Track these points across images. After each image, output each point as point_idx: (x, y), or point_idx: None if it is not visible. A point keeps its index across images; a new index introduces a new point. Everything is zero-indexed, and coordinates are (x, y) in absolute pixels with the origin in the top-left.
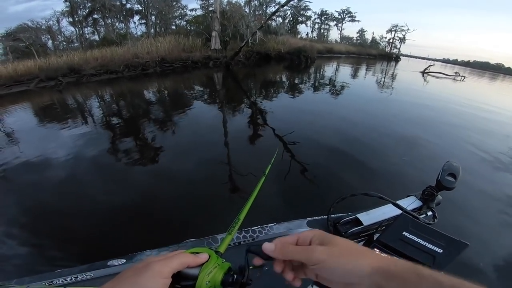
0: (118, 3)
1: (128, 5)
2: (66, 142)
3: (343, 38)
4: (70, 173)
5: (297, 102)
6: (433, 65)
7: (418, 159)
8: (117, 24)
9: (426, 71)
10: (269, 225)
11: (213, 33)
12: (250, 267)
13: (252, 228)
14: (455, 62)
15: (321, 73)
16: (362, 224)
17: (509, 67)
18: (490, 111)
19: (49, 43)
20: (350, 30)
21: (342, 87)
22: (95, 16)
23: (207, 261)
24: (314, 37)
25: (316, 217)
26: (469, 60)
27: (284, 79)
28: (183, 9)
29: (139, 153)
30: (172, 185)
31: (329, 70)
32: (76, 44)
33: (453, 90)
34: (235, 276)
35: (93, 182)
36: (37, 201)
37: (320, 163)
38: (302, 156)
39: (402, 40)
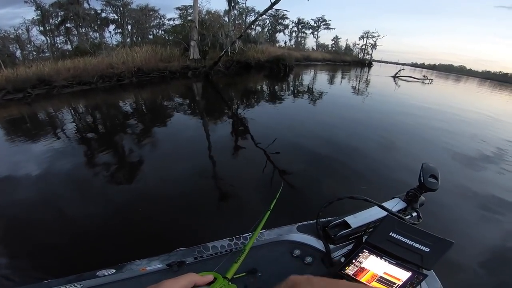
0: (92, 12)
1: (104, 14)
2: (37, 158)
3: (319, 45)
4: (44, 190)
5: (277, 110)
6: (403, 69)
7: (396, 161)
8: (91, 33)
9: (397, 75)
10: (260, 231)
11: (192, 43)
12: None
13: (243, 235)
14: (422, 66)
15: (300, 80)
16: (351, 227)
17: (470, 69)
18: (459, 111)
19: (18, 52)
20: (326, 37)
21: (320, 94)
22: (68, 25)
23: (213, 282)
24: (292, 45)
25: (305, 222)
26: (435, 64)
27: (264, 87)
28: (160, 18)
29: (117, 167)
30: (154, 197)
31: (307, 77)
32: (47, 54)
33: (422, 93)
34: None
35: (70, 198)
36: (12, 218)
37: (303, 169)
38: (286, 163)
39: (374, 46)
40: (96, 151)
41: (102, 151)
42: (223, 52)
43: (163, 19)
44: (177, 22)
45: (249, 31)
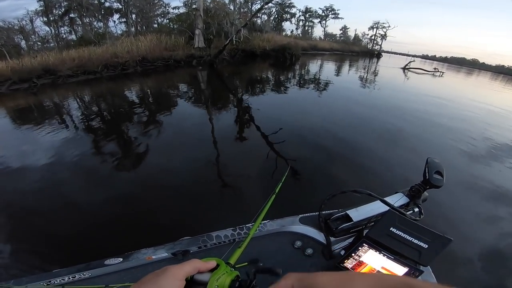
0: (96, 2)
1: (107, 4)
2: (46, 146)
3: (327, 35)
4: (55, 177)
5: (283, 100)
6: (413, 61)
7: (399, 156)
8: (95, 23)
9: (407, 67)
10: (263, 221)
11: (197, 31)
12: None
13: (246, 225)
14: (433, 58)
15: (306, 70)
16: (352, 220)
17: (483, 63)
18: (469, 106)
19: (22, 43)
20: (334, 27)
21: (326, 84)
22: (72, 15)
23: (216, 268)
24: (299, 34)
25: (308, 214)
26: (446, 56)
27: (270, 76)
28: (165, 7)
29: (123, 155)
30: (160, 186)
31: (313, 67)
32: (52, 44)
33: (432, 86)
34: (241, 282)
35: (79, 186)
36: (24, 206)
37: (308, 160)
38: (291, 153)
39: (383, 37)
40: (102, 139)
41: (108, 139)
42: (228, 41)
43: (167, 8)
44: (182, 10)
45: (255, 19)
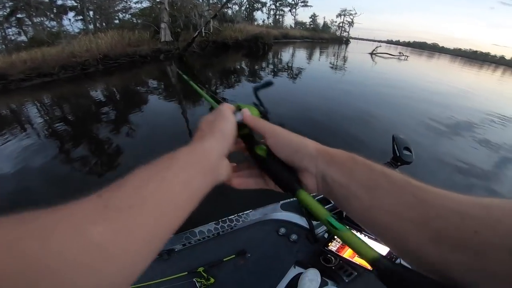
0: (46, 0)
1: (60, 1)
2: (7, 157)
3: (297, 23)
4: (19, 187)
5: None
6: (380, 46)
7: (370, 134)
8: (47, 22)
9: (374, 52)
10: (245, 212)
11: (162, 25)
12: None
13: (229, 217)
14: (397, 43)
15: (279, 58)
16: (331, 202)
17: (443, 47)
18: (433, 85)
19: None
20: (303, 15)
21: (299, 71)
22: (19, 15)
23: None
24: (270, 23)
25: (289, 200)
26: (409, 41)
27: (244, 66)
28: (126, 2)
29: (95, 159)
30: None
31: (286, 55)
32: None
33: (399, 69)
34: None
35: (49, 194)
36: None
37: None
38: None
39: (351, 23)
40: (70, 145)
41: (76, 144)
42: (197, 33)
43: (129, 3)
44: (145, 4)
45: (226, 10)
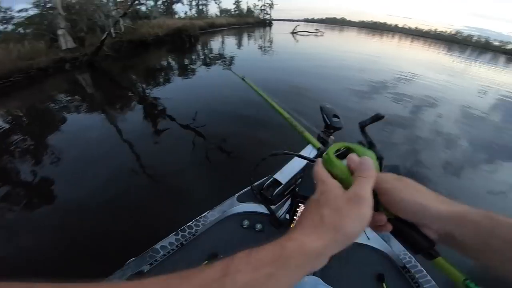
0: None
1: None
2: None
3: (222, 11)
4: None
5: (191, 82)
6: (299, 25)
7: (306, 104)
8: None
9: (295, 31)
10: (203, 215)
11: (60, 31)
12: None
13: (188, 224)
14: (313, 21)
15: (209, 48)
16: (281, 183)
17: (350, 20)
18: (348, 56)
19: None
20: (227, 2)
21: (231, 57)
22: None
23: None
24: (194, 14)
25: (243, 190)
26: (322, 18)
27: (171, 62)
28: (5, 12)
29: (23, 197)
30: (81, 210)
31: (215, 44)
32: None
33: (317, 44)
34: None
35: None
36: None
37: (230, 135)
38: (213, 133)
39: (271, 6)
40: None
41: None
42: (105, 35)
43: (8, 12)
44: (32, 12)
45: (139, 7)
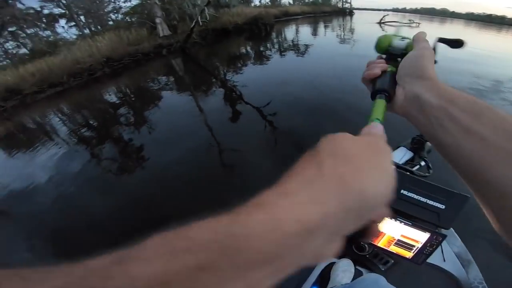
0: (32, 11)
1: (46, 11)
2: (45, 165)
3: None
4: (63, 190)
5: (267, 70)
6: (388, 15)
7: None
8: (41, 32)
9: (382, 21)
10: None
11: (157, 20)
12: None
13: None
14: (404, 11)
15: (283, 37)
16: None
17: (453, 11)
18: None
19: None
20: None
21: (306, 47)
22: (11, 29)
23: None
24: (268, 2)
25: None
26: (416, 8)
27: (249, 50)
28: (114, 2)
29: (121, 158)
30: (165, 178)
31: (289, 33)
32: (4, 63)
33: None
34: None
35: (85, 195)
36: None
37: (303, 125)
38: (285, 122)
39: None
40: (97, 148)
41: (102, 146)
42: (193, 23)
43: (117, 3)
44: (135, 2)
45: None
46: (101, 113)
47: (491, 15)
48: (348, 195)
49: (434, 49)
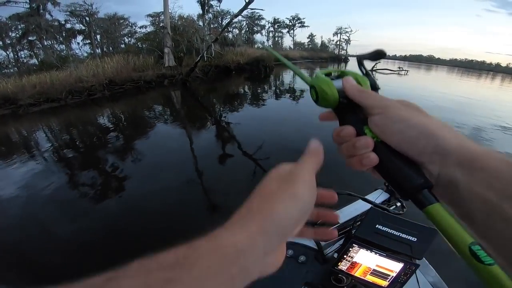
0: (56, 24)
1: (68, 25)
2: (19, 182)
3: (296, 44)
4: (28, 212)
5: (262, 112)
6: (379, 62)
7: None
8: (56, 45)
9: (374, 69)
10: None
11: (166, 50)
12: None
13: None
14: (394, 58)
15: (281, 80)
16: (338, 222)
17: (439, 58)
18: (445, 99)
19: None
20: (301, 35)
21: (302, 91)
22: (31, 38)
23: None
24: (270, 45)
25: None
26: (406, 55)
27: (246, 90)
28: (131, 26)
29: (101, 184)
30: (142, 211)
31: (287, 76)
32: (12, 70)
33: (402, 85)
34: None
35: (56, 219)
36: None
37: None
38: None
39: (348, 41)
40: (77, 169)
41: (83, 169)
42: (199, 58)
43: (134, 27)
44: (150, 29)
45: (226, 34)
46: (89, 136)
47: (472, 61)
48: (264, 221)
49: (366, 73)
